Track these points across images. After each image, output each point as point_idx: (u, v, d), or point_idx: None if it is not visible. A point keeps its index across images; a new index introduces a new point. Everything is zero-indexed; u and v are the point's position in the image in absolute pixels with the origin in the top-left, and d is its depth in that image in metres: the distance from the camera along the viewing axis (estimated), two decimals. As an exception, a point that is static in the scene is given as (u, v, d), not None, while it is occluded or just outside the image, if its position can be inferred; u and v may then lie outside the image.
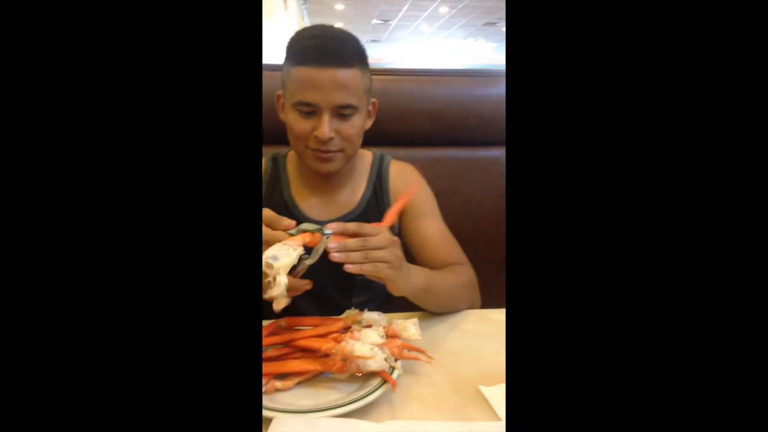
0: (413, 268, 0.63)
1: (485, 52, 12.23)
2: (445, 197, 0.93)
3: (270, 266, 0.48)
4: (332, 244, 0.53)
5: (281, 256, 0.48)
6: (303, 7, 7.44)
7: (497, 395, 0.52)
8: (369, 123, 0.77)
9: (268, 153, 0.85)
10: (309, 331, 0.59)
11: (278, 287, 0.48)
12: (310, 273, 0.55)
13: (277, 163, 0.83)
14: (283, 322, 0.61)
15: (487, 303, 0.77)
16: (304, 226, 0.53)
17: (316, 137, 0.68)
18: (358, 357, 0.52)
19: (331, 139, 0.69)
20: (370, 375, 0.54)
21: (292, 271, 0.51)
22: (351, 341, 0.53)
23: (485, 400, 0.52)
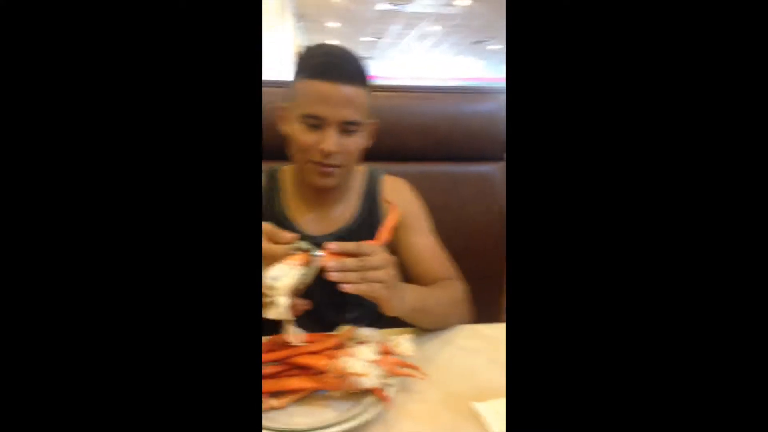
0: (407, 287, 0.63)
1: (475, 69, 12.45)
2: (437, 212, 0.94)
3: (271, 287, 0.48)
4: (330, 263, 0.53)
5: (282, 277, 0.49)
6: (298, 24, 7.54)
7: (490, 411, 0.52)
8: (368, 142, 0.79)
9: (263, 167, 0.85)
10: (303, 347, 0.59)
11: (279, 308, 0.48)
12: (305, 291, 0.55)
13: (273, 177, 0.83)
14: (278, 339, 0.61)
15: (479, 318, 0.78)
16: (299, 244, 0.53)
17: (321, 150, 0.70)
18: (352, 374, 0.52)
19: (335, 152, 0.70)
20: (364, 392, 0.54)
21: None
22: (345, 358, 0.53)
23: (478, 416, 0.52)
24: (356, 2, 6.75)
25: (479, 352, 0.67)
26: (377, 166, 0.90)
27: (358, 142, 0.73)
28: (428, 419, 0.52)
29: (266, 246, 0.53)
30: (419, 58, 10.79)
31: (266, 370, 0.57)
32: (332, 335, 0.61)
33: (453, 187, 1.04)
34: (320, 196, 0.80)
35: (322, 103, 0.68)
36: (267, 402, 0.53)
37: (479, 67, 12.31)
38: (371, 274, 0.54)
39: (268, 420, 0.50)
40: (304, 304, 0.55)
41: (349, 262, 0.53)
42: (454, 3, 6.77)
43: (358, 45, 9.21)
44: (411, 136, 1.01)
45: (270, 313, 0.48)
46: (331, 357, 0.55)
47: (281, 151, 0.77)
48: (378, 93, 1.02)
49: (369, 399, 0.53)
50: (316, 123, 0.69)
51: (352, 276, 0.53)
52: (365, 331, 0.60)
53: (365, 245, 0.55)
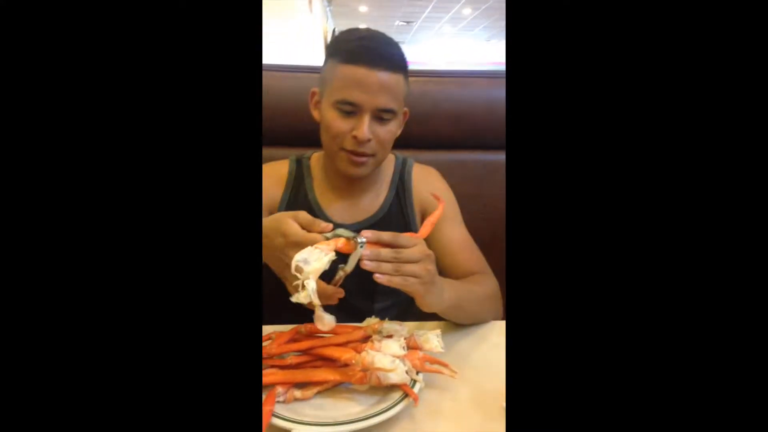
0: (446, 283, 0.61)
1: (509, 53, 12.08)
2: (470, 201, 0.91)
3: (300, 270, 0.47)
4: (365, 251, 0.51)
5: (312, 261, 0.47)
6: (327, 8, 7.50)
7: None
8: (398, 131, 0.77)
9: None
10: (329, 339, 0.58)
11: (306, 292, 0.47)
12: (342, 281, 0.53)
13: (302, 164, 0.82)
14: (302, 328, 0.60)
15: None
16: (340, 231, 0.51)
17: (354, 137, 0.68)
18: (379, 369, 0.51)
19: (369, 140, 0.68)
20: (391, 387, 0.52)
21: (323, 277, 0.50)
22: (371, 352, 0.52)
23: (511, 419, 0.49)
24: (387, -15, 6.66)
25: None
26: (407, 154, 0.88)
27: (392, 130, 0.71)
28: (458, 419, 0.50)
29: (301, 234, 0.52)
30: (451, 42, 10.58)
31: (291, 360, 0.56)
32: (359, 327, 0.60)
33: (487, 175, 1.01)
34: (350, 184, 0.78)
35: (357, 89, 0.66)
36: (291, 393, 0.52)
37: (513, 51, 11.93)
38: (407, 267, 0.51)
39: (292, 411, 0.50)
40: (338, 293, 0.53)
41: (385, 252, 0.51)
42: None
43: (388, 29, 9.10)
44: (443, 123, 0.98)
45: (297, 297, 0.47)
46: (357, 350, 0.54)
47: (311, 137, 0.76)
48: (410, 78, 1.00)
49: (396, 395, 0.51)
50: (350, 109, 0.67)
51: (386, 267, 0.51)
52: (393, 325, 0.58)
53: (403, 237, 0.53)
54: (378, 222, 0.79)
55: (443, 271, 0.77)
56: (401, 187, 0.81)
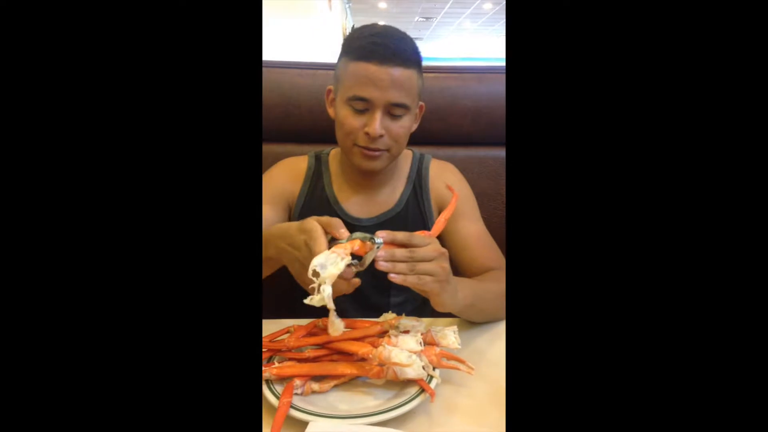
0: (460, 282, 0.60)
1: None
2: (488, 198, 0.90)
3: (317, 274, 0.47)
4: (380, 252, 0.51)
5: (329, 265, 0.48)
6: (346, 5, 7.51)
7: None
8: (414, 126, 0.77)
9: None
10: (346, 333, 0.58)
11: (319, 296, 0.47)
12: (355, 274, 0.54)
13: (320, 160, 0.83)
14: (320, 322, 0.61)
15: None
16: (356, 235, 0.51)
17: (366, 134, 0.68)
18: (396, 364, 0.51)
19: (381, 136, 0.69)
20: (408, 382, 0.53)
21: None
22: (388, 347, 0.52)
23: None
24: (407, -19, 6.62)
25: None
26: (425, 149, 0.87)
27: (405, 125, 0.71)
28: (474, 415, 0.50)
29: (322, 239, 0.51)
30: (470, 37, 10.47)
31: (309, 353, 0.57)
32: (376, 322, 0.60)
33: (504, 173, 1.00)
34: (366, 179, 0.79)
35: (368, 85, 0.66)
36: (308, 386, 0.53)
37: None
38: (421, 266, 0.51)
39: (309, 404, 0.50)
40: (355, 282, 0.54)
41: (399, 252, 0.51)
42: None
43: (408, 25, 9.06)
44: (461, 119, 0.97)
45: (311, 300, 0.48)
46: (374, 344, 0.55)
47: (329, 134, 0.76)
48: (428, 74, 0.99)
49: (412, 390, 0.52)
50: (362, 106, 0.68)
51: (401, 266, 0.51)
52: (410, 321, 0.59)
53: (417, 236, 0.53)
54: (395, 217, 0.79)
55: (460, 266, 0.76)
56: (418, 182, 0.81)
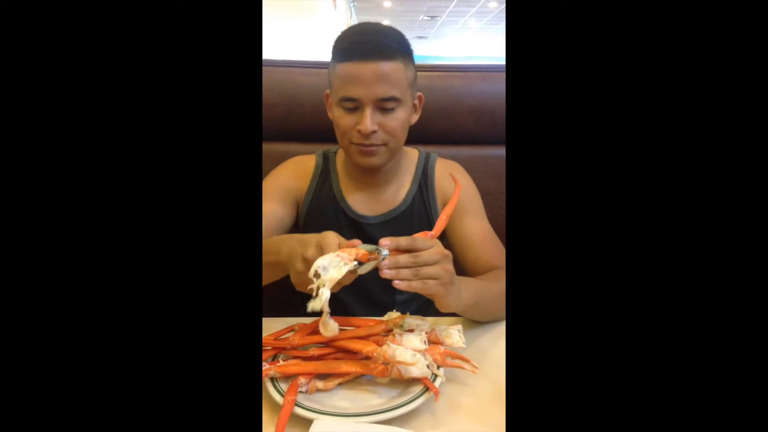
0: (464, 282, 0.60)
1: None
2: (492, 198, 0.90)
3: (318, 276, 0.48)
4: (384, 260, 0.51)
5: (331, 268, 0.48)
6: (351, 4, 7.50)
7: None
8: (414, 117, 0.77)
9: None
10: (350, 332, 0.59)
11: (320, 300, 0.47)
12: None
13: (328, 159, 0.84)
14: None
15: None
16: (363, 247, 0.51)
17: (358, 131, 0.69)
18: (400, 362, 0.51)
19: (374, 132, 0.69)
20: (412, 381, 0.53)
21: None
22: (393, 346, 0.52)
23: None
24: (412, -20, 6.61)
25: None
26: (430, 148, 0.87)
27: (399, 118, 0.71)
28: (478, 413, 0.50)
29: (335, 244, 0.52)
30: (475, 36, 10.44)
31: (313, 351, 0.57)
32: (381, 321, 0.60)
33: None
34: (369, 176, 0.79)
35: (353, 84, 0.67)
36: (313, 384, 0.53)
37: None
38: (425, 270, 0.51)
39: (314, 402, 0.50)
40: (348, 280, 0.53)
41: (403, 258, 0.51)
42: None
43: (413, 24, 9.04)
44: (466, 117, 0.97)
45: (313, 306, 0.48)
46: (378, 343, 0.55)
47: (333, 133, 0.77)
48: (432, 73, 0.99)
49: (416, 388, 0.52)
50: (352, 105, 0.69)
51: (405, 273, 0.51)
52: (415, 320, 0.59)
53: (420, 240, 0.53)
54: (400, 215, 0.80)
55: (464, 264, 0.77)
56: (424, 181, 0.82)
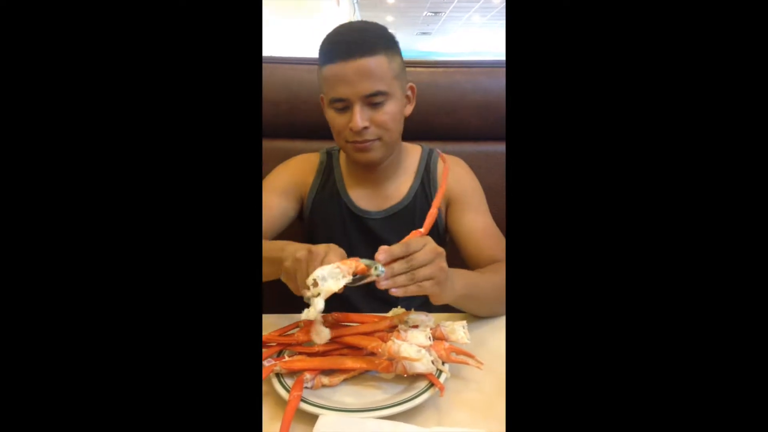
0: (455, 274, 0.60)
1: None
2: (496, 194, 0.90)
3: (315, 284, 0.48)
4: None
5: (329, 280, 0.48)
6: (354, 1, 7.49)
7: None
8: (409, 108, 0.77)
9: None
10: (355, 328, 0.59)
11: (314, 310, 0.48)
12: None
13: (331, 156, 0.85)
14: (330, 317, 0.61)
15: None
16: (363, 261, 0.52)
17: (350, 129, 0.70)
18: (405, 358, 0.51)
19: (366, 128, 0.70)
20: (417, 377, 0.53)
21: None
22: (398, 342, 0.52)
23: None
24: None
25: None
26: (433, 145, 0.87)
27: (390, 111, 0.71)
28: (483, 409, 0.50)
29: (339, 254, 0.53)
30: (479, 32, 10.38)
31: (317, 347, 0.58)
32: (385, 317, 0.60)
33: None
34: (370, 172, 0.80)
35: (339, 84, 0.68)
36: (318, 379, 0.53)
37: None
38: (420, 273, 0.52)
39: (319, 397, 0.51)
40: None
41: (397, 266, 0.52)
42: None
43: (416, 20, 9.01)
44: (470, 113, 0.97)
45: (308, 315, 0.49)
46: (383, 339, 0.55)
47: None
48: (436, 69, 0.99)
49: (421, 384, 0.52)
50: (342, 105, 0.70)
51: (401, 279, 0.51)
52: (419, 316, 0.59)
53: (413, 243, 0.53)
54: (402, 210, 0.80)
55: (467, 258, 0.77)
56: (426, 177, 0.82)
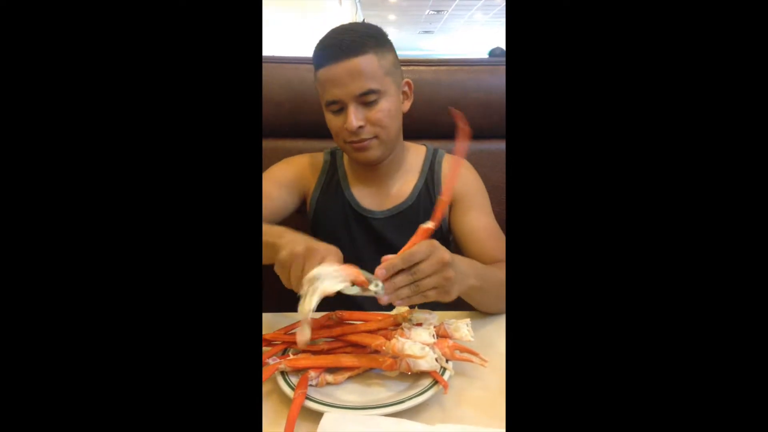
0: (466, 264, 0.59)
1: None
2: (499, 192, 0.90)
3: (311, 282, 0.48)
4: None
5: (328, 280, 0.48)
6: (357, 0, 7.49)
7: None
8: (407, 104, 0.78)
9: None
10: (359, 326, 0.59)
11: (309, 305, 0.48)
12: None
13: (335, 156, 0.86)
14: (334, 315, 0.61)
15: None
16: (363, 273, 0.51)
17: (346, 130, 0.71)
18: (409, 356, 0.51)
19: (361, 127, 0.70)
20: (421, 375, 0.53)
21: None
22: (402, 339, 0.53)
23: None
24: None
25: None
26: (436, 143, 0.87)
27: (384, 108, 0.71)
28: (487, 407, 0.50)
29: (337, 255, 0.53)
30: (482, 30, 10.35)
31: (323, 345, 0.58)
32: (389, 315, 0.60)
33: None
34: (373, 171, 0.80)
35: (332, 87, 0.69)
36: (323, 377, 0.53)
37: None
38: (424, 284, 0.50)
39: (324, 395, 0.51)
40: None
41: (399, 279, 0.50)
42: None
43: (418, 18, 9.00)
44: (472, 112, 0.97)
45: (302, 310, 0.48)
46: (387, 337, 0.55)
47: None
48: (438, 67, 0.99)
49: (425, 382, 0.52)
50: (337, 107, 0.71)
51: (404, 292, 0.50)
52: (423, 314, 0.59)
53: (417, 252, 0.50)
54: (406, 209, 0.80)
55: (469, 257, 0.76)
56: (431, 176, 0.82)
